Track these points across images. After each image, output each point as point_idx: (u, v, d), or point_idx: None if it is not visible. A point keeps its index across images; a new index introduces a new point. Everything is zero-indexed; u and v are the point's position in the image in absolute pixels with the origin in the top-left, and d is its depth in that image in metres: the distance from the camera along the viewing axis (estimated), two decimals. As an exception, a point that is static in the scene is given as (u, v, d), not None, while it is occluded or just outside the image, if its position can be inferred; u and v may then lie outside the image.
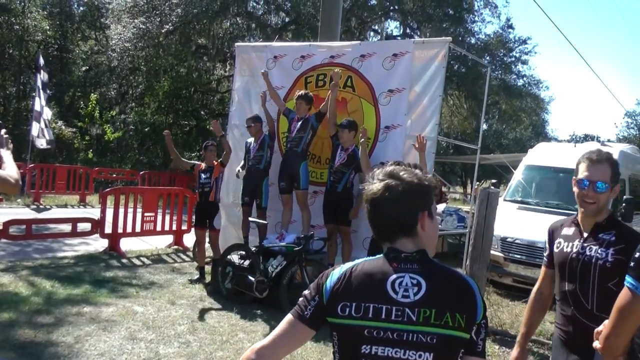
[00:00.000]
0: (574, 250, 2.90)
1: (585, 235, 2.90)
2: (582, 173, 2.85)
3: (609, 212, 2.90)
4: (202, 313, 6.88)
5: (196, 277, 8.46)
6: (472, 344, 1.68)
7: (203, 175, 8.37)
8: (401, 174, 1.76)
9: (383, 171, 1.79)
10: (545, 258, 3.18)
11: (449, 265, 1.81)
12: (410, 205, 1.75)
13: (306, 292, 1.84)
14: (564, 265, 2.94)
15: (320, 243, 7.39)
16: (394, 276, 1.70)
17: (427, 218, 1.76)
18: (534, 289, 3.24)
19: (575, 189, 2.90)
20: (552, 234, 3.11)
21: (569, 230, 3.01)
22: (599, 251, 2.79)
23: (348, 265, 1.80)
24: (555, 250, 3.02)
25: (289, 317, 1.83)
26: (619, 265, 2.70)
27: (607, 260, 2.75)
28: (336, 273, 1.79)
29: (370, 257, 1.81)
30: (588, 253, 2.82)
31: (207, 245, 8.74)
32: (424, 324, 1.64)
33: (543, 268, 3.20)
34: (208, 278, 8.45)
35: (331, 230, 7.51)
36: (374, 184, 1.77)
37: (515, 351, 3.16)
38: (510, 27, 25.58)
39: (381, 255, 1.79)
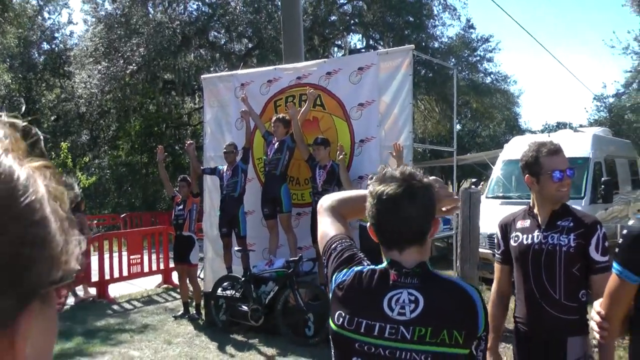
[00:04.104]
0: (536, 240, 2.93)
1: (544, 225, 2.94)
2: (551, 166, 2.87)
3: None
4: (200, 349, 6.84)
5: (180, 312, 8.48)
6: (472, 359, 1.64)
7: (177, 207, 8.60)
8: (420, 176, 1.68)
9: (401, 171, 1.68)
10: (498, 255, 3.19)
11: (440, 269, 1.81)
12: (429, 209, 1.67)
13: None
14: (526, 257, 2.96)
15: (310, 264, 7.40)
16: (392, 292, 1.66)
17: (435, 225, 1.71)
18: (493, 289, 3.25)
19: (545, 184, 2.90)
20: (505, 229, 3.14)
21: (524, 223, 3.05)
22: (561, 238, 2.85)
23: (356, 269, 1.74)
24: (513, 244, 3.04)
25: None
26: (580, 250, 2.82)
27: (570, 245, 2.83)
28: (344, 272, 1.76)
29: (374, 266, 1.74)
30: (551, 241, 2.88)
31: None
32: (418, 342, 1.59)
33: (497, 266, 3.21)
34: (192, 311, 8.46)
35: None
36: (392, 184, 1.64)
37: (490, 358, 3.12)
38: (472, 27, 25.90)
39: (385, 264, 1.72)
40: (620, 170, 12.06)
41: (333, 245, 1.85)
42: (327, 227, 1.93)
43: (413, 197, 1.64)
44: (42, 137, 0.69)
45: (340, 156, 7.07)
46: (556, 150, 2.90)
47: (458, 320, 1.62)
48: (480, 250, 7.52)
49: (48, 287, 0.61)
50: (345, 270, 1.76)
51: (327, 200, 2.01)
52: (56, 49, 28.33)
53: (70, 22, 29.93)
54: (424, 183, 1.67)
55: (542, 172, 2.88)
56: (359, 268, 1.75)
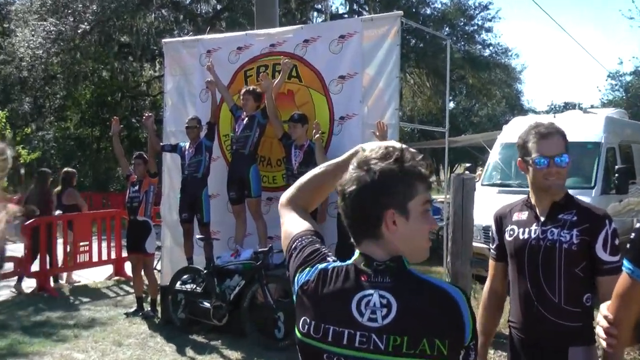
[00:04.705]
0: (533, 235, 2.86)
1: (543, 218, 2.87)
2: (537, 151, 2.79)
3: (565, 190, 2.89)
4: (155, 351, 6.78)
5: (133, 309, 8.41)
6: None
7: (132, 188, 8.45)
8: (372, 162, 1.62)
9: (358, 158, 1.68)
10: (493, 251, 3.14)
11: (429, 265, 1.76)
12: (373, 201, 1.62)
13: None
14: (522, 254, 2.89)
15: (281, 256, 7.33)
16: (361, 294, 1.60)
17: (399, 217, 1.61)
18: (486, 289, 3.20)
19: (532, 172, 2.84)
20: (500, 221, 3.07)
21: (521, 215, 2.97)
22: (562, 233, 2.78)
23: (320, 266, 1.72)
24: (508, 239, 2.97)
25: None
26: (585, 247, 2.74)
27: (573, 242, 2.75)
28: (307, 271, 1.73)
29: (340, 263, 1.71)
30: (550, 237, 2.80)
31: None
32: (394, 353, 1.53)
33: (492, 263, 3.16)
34: (147, 307, 8.38)
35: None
36: (346, 174, 1.68)
37: None
38: (469, -8, 25.97)
39: (353, 260, 1.69)
40: (638, 157, 12.00)
41: (294, 245, 1.86)
42: (289, 226, 1.95)
43: (355, 191, 1.65)
44: None
45: (317, 135, 7.00)
46: (547, 134, 2.81)
47: (440, 327, 1.55)
48: (475, 244, 7.52)
49: None
50: (308, 270, 1.74)
51: (285, 195, 2.06)
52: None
53: (12, -29, 29.15)
54: (372, 172, 1.62)
55: (529, 158, 2.83)
56: (322, 265, 1.73)
